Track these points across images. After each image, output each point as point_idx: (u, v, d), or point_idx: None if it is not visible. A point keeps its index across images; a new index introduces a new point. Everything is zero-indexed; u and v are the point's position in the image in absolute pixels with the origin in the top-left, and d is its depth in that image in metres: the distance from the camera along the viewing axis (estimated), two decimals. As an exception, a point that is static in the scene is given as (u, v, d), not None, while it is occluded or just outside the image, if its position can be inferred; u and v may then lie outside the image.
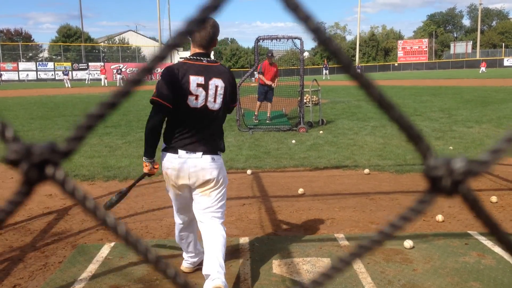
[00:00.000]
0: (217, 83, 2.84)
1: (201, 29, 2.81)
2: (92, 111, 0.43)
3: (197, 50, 2.86)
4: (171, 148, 2.85)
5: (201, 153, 2.83)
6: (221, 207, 2.98)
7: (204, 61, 2.85)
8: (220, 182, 2.94)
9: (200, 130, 2.85)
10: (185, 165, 2.81)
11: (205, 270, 2.76)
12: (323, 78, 44.93)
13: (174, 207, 3.15)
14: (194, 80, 2.77)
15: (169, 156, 2.86)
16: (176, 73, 2.76)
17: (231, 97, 2.98)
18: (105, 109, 0.42)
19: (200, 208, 2.93)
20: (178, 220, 3.18)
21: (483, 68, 51.09)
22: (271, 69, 11.47)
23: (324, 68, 48.71)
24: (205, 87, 2.80)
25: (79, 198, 0.42)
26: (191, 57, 2.87)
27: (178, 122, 2.83)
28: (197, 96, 2.78)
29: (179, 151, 2.82)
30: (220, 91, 2.86)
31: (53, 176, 0.40)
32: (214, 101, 2.84)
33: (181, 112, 2.79)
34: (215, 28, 2.87)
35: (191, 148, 2.83)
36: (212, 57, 3.00)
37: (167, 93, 2.75)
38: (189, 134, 2.83)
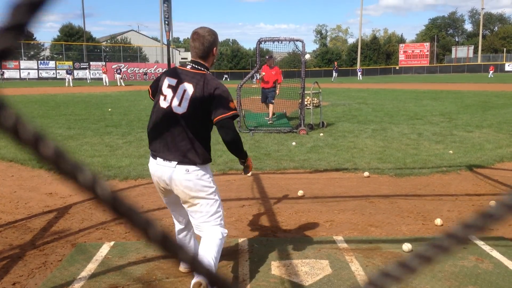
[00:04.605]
0: (186, 87, 2.82)
1: (192, 40, 2.90)
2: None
3: (192, 58, 2.96)
4: (150, 151, 2.94)
5: (176, 162, 2.79)
6: (214, 215, 2.90)
7: (188, 67, 2.93)
8: (202, 195, 2.84)
9: (167, 133, 2.84)
10: (163, 173, 2.83)
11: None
12: (332, 80, 44.87)
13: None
14: (167, 81, 2.89)
15: (151, 160, 2.94)
16: (162, 73, 3.02)
17: (203, 105, 2.80)
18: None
19: (194, 221, 2.95)
20: (175, 222, 3.22)
21: (491, 72, 51.50)
22: (270, 72, 11.58)
23: (334, 71, 48.34)
24: (174, 88, 2.85)
25: (29, 140, 0.29)
26: (184, 62, 3.01)
27: (152, 121, 2.93)
28: (165, 97, 2.86)
29: (157, 158, 2.86)
30: (187, 95, 2.80)
31: None
32: (179, 104, 2.81)
33: (154, 110, 2.92)
34: (203, 39, 2.86)
35: (163, 155, 2.83)
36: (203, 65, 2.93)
37: (153, 84, 3.08)
38: (158, 135, 2.88)
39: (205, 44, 2.87)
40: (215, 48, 2.91)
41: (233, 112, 2.85)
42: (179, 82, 2.85)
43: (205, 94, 2.79)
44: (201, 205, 2.86)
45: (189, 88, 2.81)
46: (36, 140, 0.30)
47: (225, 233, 2.95)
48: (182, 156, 2.79)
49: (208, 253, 2.80)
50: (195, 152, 2.80)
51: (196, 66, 2.90)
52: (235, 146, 2.94)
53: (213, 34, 2.91)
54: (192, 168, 2.79)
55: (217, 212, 2.91)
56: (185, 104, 2.79)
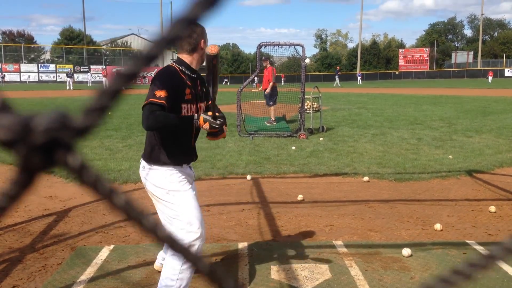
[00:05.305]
0: None
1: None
2: (126, 69, 0.33)
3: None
4: None
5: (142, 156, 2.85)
6: (175, 219, 2.65)
7: None
8: (156, 194, 2.71)
9: None
10: None
11: None
12: (335, 85, 44.95)
13: None
14: None
15: None
16: None
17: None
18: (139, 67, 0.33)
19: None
20: None
21: (490, 77, 51.66)
22: (264, 73, 12.16)
23: (336, 76, 48.36)
24: None
25: (104, 192, 0.34)
26: None
27: None
28: None
29: None
30: None
31: (65, 162, 0.31)
32: None
33: None
34: (189, 29, 2.67)
35: None
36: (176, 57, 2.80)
37: None
38: None
39: (192, 35, 2.67)
40: (202, 41, 2.72)
41: (150, 99, 2.58)
42: None
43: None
44: (159, 204, 2.75)
45: None
46: (111, 194, 0.34)
47: (188, 242, 2.61)
48: (143, 151, 2.83)
49: (165, 273, 2.67)
50: (148, 150, 2.76)
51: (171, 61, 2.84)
52: (156, 130, 2.72)
53: (199, 25, 2.70)
54: (146, 165, 2.77)
55: (177, 217, 2.65)
56: None
